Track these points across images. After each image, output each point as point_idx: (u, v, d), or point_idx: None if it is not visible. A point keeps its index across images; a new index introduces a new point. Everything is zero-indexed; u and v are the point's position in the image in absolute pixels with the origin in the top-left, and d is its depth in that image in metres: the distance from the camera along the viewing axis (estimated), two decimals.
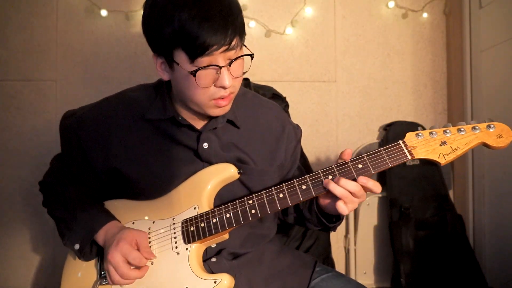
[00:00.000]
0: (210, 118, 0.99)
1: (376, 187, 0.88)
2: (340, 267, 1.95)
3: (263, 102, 1.11)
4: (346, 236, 1.96)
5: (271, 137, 1.05)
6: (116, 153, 0.99)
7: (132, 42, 1.87)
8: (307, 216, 1.05)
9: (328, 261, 1.76)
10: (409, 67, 2.00)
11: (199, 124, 0.99)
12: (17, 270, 1.82)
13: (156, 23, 0.87)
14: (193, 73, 0.85)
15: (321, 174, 0.89)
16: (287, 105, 1.83)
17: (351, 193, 0.87)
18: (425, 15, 1.99)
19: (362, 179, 0.87)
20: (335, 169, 0.89)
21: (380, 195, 1.92)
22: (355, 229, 1.93)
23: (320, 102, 1.97)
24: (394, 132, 1.89)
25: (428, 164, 1.88)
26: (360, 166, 0.88)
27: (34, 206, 1.82)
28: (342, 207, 0.87)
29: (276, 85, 1.87)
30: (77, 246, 0.99)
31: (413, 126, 1.91)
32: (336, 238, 1.96)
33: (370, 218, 1.93)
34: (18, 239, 1.82)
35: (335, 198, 0.89)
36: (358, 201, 0.89)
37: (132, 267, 0.92)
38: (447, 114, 2.01)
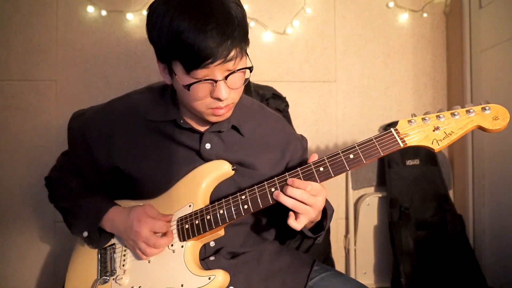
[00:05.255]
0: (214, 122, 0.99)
1: (313, 189, 0.86)
2: (340, 267, 1.94)
3: (269, 114, 1.11)
4: (346, 236, 1.95)
5: (276, 148, 1.05)
6: (118, 153, 1.00)
7: (132, 42, 1.87)
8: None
9: (328, 261, 1.76)
10: (409, 67, 2.00)
11: (202, 127, 1.00)
12: (17, 270, 1.82)
13: (156, 32, 0.86)
14: (187, 87, 0.85)
15: (313, 167, 0.89)
16: (287, 105, 1.83)
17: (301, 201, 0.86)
18: (425, 15, 1.99)
19: (299, 183, 0.86)
20: (326, 160, 0.88)
21: (380, 195, 1.92)
22: (355, 229, 1.93)
23: (320, 102, 1.96)
24: None
25: (428, 164, 1.88)
26: (351, 156, 0.86)
27: (34, 206, 1.82)
28: (293, 223, 0.87)
29: (276, 85, 1.87)
30: (85, 234, 1.01)
31: None
32: (336, 238, 1.96)
33: (370, 218, 1.93)
34: (18, 239, 1.82)
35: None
36: (311, 210, 0.87)
37: (159, 235, 0.95)
38: None
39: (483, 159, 1.78)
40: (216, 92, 0.86)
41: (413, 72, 2.00)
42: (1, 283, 1.81)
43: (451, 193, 1.94)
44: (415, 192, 1.85)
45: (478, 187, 1.82)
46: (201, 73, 0.84)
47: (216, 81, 0.85)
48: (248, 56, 0.91)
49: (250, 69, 0.90)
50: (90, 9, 1.84)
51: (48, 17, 1.84)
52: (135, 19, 1.86)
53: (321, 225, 1.00)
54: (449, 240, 1.78)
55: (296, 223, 0.86)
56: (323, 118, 1.97)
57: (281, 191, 0.88)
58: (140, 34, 1.87)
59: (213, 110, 0.90)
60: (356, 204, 1.96)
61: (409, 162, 1.88)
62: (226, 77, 0.85)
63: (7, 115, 1.82)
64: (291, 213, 0.87)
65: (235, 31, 0.83)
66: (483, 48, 1.78)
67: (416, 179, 1.86)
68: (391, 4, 1.97)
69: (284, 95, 1.83)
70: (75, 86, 1.84)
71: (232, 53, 0.84)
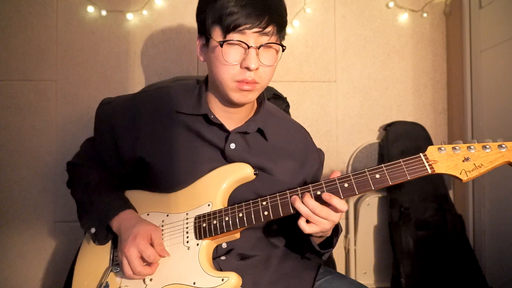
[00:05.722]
0: (242, 121, 1.01)
1: (341, 205, 0.86)
2: (340, 267, 1.95)
3: (292, 123, 1.14)
4: (346, 236, 1.96)
5: (295, 157, 1.06)
6: (143, 143, 1.01)
7: (132, 42, 1.87)
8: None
9: (329, 262, 1.76)
10: (409, 67, 2.00)
11: (230, 125, 1.01)
12: (17, 270, 1.82)
13: (205, 4, 0.93)
14: (221, 43, 0.89)
15: (337, 182, 0.89)
16: (287, 106, 1.83)
17: (313, 212, 0.86)
18: (425, 15, 1.99)
19: (325, 195, 0.86)
20: (351, 177, 0.88)
21: (380, 195, 1.92)
22: (355, 229, 1.93)
23: (320, 102, 1.96)
24: (394, 132, 1.89)
25: None
26: (377, 176, 0.87)
27: (34, 206, 1.82)
28: (303, 225, 0.87)
29: (276, 85, 1.87)
30: (93, 230, 1.01)
31: (413, 126, 1.91)
32: None
33: (370, 218, 1.93)
34: (18, 239, 1.82)
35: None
36: (325, 222, 0.87)
37: (144, 264, 0.93)
38: (447, 114, 2.01)
39: None
40: (247, 59, 0.89)
41: (413, 72, 2.00)
42: (1, 283, 1.81)
43: (451, 193, 1.94)
44: (415, 192, 1.85)
45: (478, 187, 1.82)
46: (236, 36, 0.89)
47: (248, 47, 0.89)
48: (282, 45, 0.96)
49: (283, 48, 0.95)
50: (90, 9, 1.84)
51: (48, 17, 1.83)
52: (135, 19, 1.86)
53: (329, 242, 1.01)
54: (449, 240, 1.78)
55: (306, 226, 0.87)
56: (323, 118, 1.97)
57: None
58: (140, 34, 1.87)
59: (238, 83, 0.92)
60: (356, 204, 1.96)
61: None
62: (258, 47, 0.90)
63: (7, 115, 1.82)
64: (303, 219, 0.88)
65: (275, 10, 0.91)
66: (483, 48, 1.78)
67: (416, 179, 1.86)
68: (391, 4, 1.97)
69: (284, 95, 1.83)
70: (75, 86, 1.84)
71: (269, 29, 0.90)
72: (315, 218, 0.86)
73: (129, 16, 1.85)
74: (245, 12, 0.87)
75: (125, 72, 1.86)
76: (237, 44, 0.90)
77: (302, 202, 0.87)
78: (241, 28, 0.88)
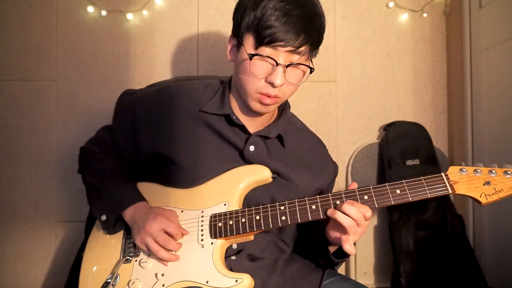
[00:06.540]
0: (263, 126, 1.03)
1: (367, 211, 0.87)
2: (340, 267, 1.94)
3: (310, 134, 1.16)
4: None
5: (312, 168, 1.07)
6: (164, 137, 1.01)
7: (132, 42, 1.87)
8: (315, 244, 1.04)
9: None
10: (409, 67, 2.00)
11: (250, 128, 1.02)
12: (16, 270, 1.82)
13: (245, 6, 0.92)
14: (250, 56, 0.89)
15: (357, 193, 0.90)
16: (288, 106, 1.83)
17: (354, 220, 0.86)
18: (425, 15, 1.99)
19: (349, 201, 0.87)
20: (371, 190, 0.89)
21: None
22: None
23: (320, 102, 1.96)
24: (394, 132, 1.89)
25: (428, 164, 1.88)
26: (398, 191, 0.88)
27: (34, 206, 1.82)
28: (350, 248, 0.86)
29: None
30: (103, 217, 1.00)
31: (413, 126, 1.91)
32: None
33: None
34: (18, 239, 1.82)
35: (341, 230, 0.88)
36: (361, 231, 0.88)
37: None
38: (447, 114, 2.01)
39: (483, 158, 1.78)
40: (273, 75, 0.90)
41: (413, 72, 2.00)
42: (1, 283, 1.81)
43: None
44: None
45: None
46: (267, 51, 0.89)
47: (277, 64, 0.89)
48: (312, 62, 0.95)
49: (311, 70, 0.95)
50: (90, 9, 1.84)
51: (48, 17, 1.83)
52: (135, 19, 1.86)
53: (342, 251, 1.00)
54: (449, 240, 1.78)
55: (352, 248, 0.87)
56: (323, 118, 1.97)
57: (334, 208, 0.89)
58: (140, 34, 1.87)
59: (261, 96, 0.93)
60: None
61: (409, 162, 1.88)
62: (287, 66, 0.90)
63: (7, 115, 1.82)
64: (345, 238, 0.87)
65: (314, 31, 0.90)
66: (483, 48, 1.78)
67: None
68: (391, 4, 1.97)
69: None
70: (75, 86, 1.84)
71: (303, 48, 0.89)
72: (354, 229, 0.86)
73: (129, 16, 1.85)
74: (284, 29, 0.86)
75: (125, 72, 1.86)
76: (266, 59, 0.90)
77: (342, 211, 0.86)
78: (275, 44, 0.88)
